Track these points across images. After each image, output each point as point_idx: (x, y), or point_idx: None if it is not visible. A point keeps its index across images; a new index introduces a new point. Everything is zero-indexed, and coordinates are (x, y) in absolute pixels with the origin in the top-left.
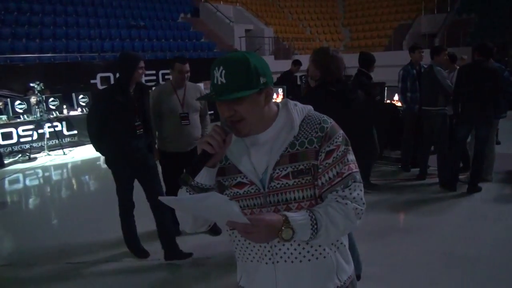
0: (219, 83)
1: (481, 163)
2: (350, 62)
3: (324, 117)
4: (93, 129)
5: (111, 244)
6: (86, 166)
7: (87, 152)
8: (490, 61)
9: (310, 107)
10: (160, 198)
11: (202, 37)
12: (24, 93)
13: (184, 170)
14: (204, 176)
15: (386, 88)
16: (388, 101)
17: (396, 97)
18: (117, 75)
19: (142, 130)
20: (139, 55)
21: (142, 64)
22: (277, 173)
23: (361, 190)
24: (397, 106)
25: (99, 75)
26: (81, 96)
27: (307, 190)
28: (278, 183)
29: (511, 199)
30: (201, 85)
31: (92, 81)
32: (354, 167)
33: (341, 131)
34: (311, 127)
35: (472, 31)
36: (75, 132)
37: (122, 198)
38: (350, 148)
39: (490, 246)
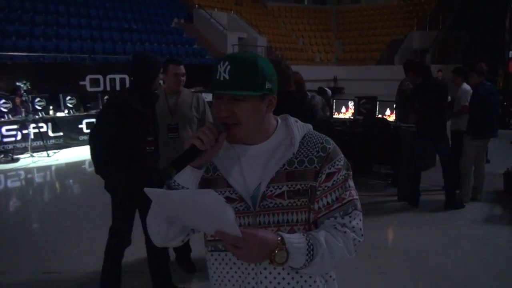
0: (222, 78)
1: (451, 178)
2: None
3: (326, 137)
4: (100, 143)
5: (92, 254)
6: (70, 169)
7: (72, 154)
8: (432, 79)
9: (310, 126)
10: (145, 189)
11: (194, 43)
12: (11, 92)
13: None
14: (188, 177)
15: (378, 102)
16: (380, 116)
17: (387, 111)
18: (131, 78)
19: (153, 147)
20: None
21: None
22: (271, 191)
23: (360, 220)
24: (389, 121)
25: (88, 77)
26: (68, 97)
27: (302, 213)
28: (271, 202)
29: (501, 220)
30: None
31: (81, 83)
32: (355, 194)
33: (342, 155)
34: (312, 145)
35: (463, 48)
36: (61, 134)
37: (118, 231)
38: (351, 173)
39: (478, 267)
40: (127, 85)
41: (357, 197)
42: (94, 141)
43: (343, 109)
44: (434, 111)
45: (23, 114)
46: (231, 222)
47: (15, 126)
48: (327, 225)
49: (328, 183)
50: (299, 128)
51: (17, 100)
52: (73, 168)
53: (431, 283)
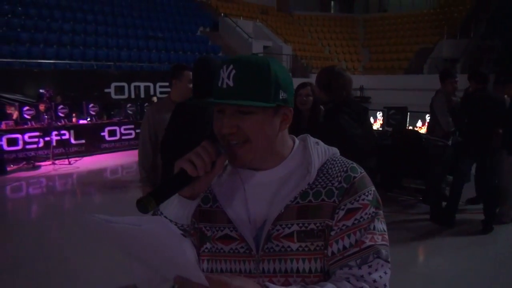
0: (225, 86)
1: (494, 200)
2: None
3: (354, 165)
4: (170, 154)
5: (114, 264)
6: (91, 177)
7: (94, 162)
8: (488, 90)
9: (335, 150)
10: (87, 216)
11: (219, 51)
12: (36, 99)
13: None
14: (176, 209)
15: (408, 113)
16: (410, 127)
17: (419, 123)
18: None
19: None
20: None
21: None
22: (278, 230)
23: (385, 273)
24: (420, 133)
25: (113, 84)
26: (91, 105)
27: (316, 261)
28: (277, 245)
29: None
30: None
31: (106, 90)
32: (380, 239)
33: (373, 188)
34: (333, 174)
35: (495, 57)
36: (83, 141)
37: None
38: (381, 213)
39: None
40: (151, 92)
41: (384, 243)
42: (167, 149)
43: (371, 120)
44: (483, 126)
45: (46, 121)
46: (191, 264)
47: (37, 133)
48: (339, 276)
49: (348, 222)
50: (320, 152)
51: (41, 107)
52: (94, 176)
53: None
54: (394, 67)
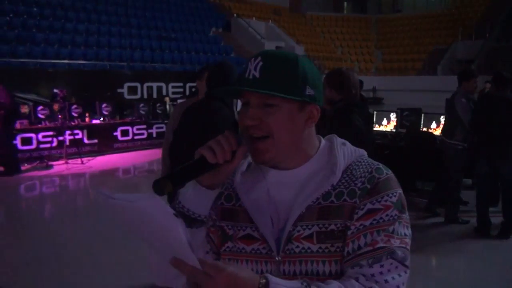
0: (251, 77)
1: None
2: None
3: (380, 166)
4: (176, 154)
5: (126, 263)
6: (104, 176)
7: (106, 162)
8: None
9: (363, 152)
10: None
11: (232, 51)
12: (50, 99)
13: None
14: (196, 198)
15: (423, 115)
16: (425, 129)
17: (433, 124)
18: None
19: None
20: None
21: None
22: (298, 231)
23: (400, 276)
24: (434, 135)
25: (126, 85)
26: (104, 104)
27: (337, 264)
28: (297, 247)
29: None
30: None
31: (119, 90)
32: (399, 242)
33: (400, 190)
34: (357, 175)
35: (511, 59)
36: (96, 141)
37: None
38: (405, 217)
39: None
40: (164, 93)
41: (401, 245)
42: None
43: (385, 121)
44: (502, 128)
45: (60, 121)
46: (183, 244)
47: (51, 133)
48: (348, 275)
49: (366, 222)
50: (347, 153)
51: (55, 106)
52: (107, 175)
53: None
54: (407, 68)
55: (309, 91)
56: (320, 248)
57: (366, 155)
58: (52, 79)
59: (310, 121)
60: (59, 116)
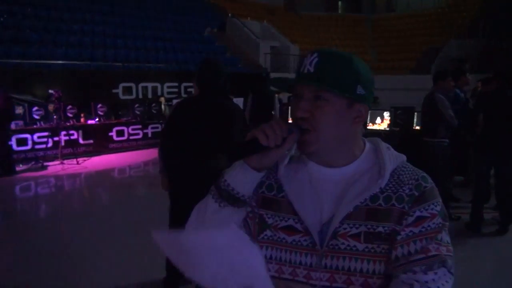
0: (306, 71)
1: (511, 201)
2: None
3: (424, 174)
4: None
5: (121, 265)
6: (99, 177)
7: (102, 162)
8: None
9: (404, 157)
10: (154, 232)
11: (227, 51)
12: (45, 99)
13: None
14: (242, 178)
15: (415, 113)
16: (418, 127)
17: None
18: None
19: None
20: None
21: None
22: (345, 229)
23: (447, 283)
24: None
25: (121, 85)
26: (99, 105)
27: (381, 263)
28: (342, 243)
29: None
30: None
31: (114, 91)
32: (446, 250)
33: (441, 200)
34: (404, 181)
35: (504, 58)
36: (91, 141)
37: None
38: (448, 225)
39: None
40: (159, 93)
41: (449, 254)
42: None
43: (378, 120)
44: (502, 126)
45: (55, 122)
46: (262, 277)
47: (46, 133)
48: (401, 281)
49: (415, 229)
50: (391, 157)
51: (50, 107)
52: (103, 176)
53: None
54: (402, 67)
55: (360, 90)
56: (367, 247)
57: (406, 160)
58: (47, 79)
59: (358, 120)
60: (54, 116)
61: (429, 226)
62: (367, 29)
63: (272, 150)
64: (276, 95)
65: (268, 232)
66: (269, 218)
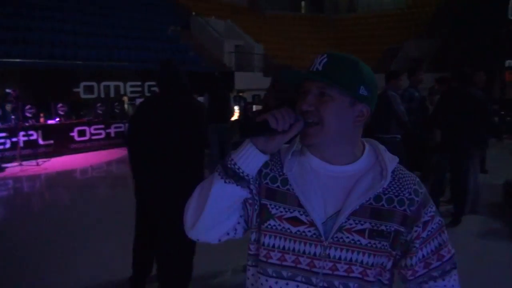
0: (315, 69)
1: (465, 195)
2: None
3: (418, 179)
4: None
5: (84, 267)
6: (60, 178)
7: (63, 163)
8: (471, 88)
9: (397, 159)
10: None
11: (191, 50)
12: (2, 99)
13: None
14: (245, 157)
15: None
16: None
17: None
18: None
19: None
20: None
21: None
22: (350, 224)
23: (456, 275)
24: None
25: (82, 84)
26: (60, 104)
27: (380, 257)
28: (347, 237)
29: (499, 233)
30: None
31: (74, 90)
32: (451, 248)
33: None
34: (403, 184)
35: (459, 58)
36: (52, 142)
37: None
38: (443, 222)
39: (484, 284)
40: (121, 92)
41: (453, 251)
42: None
43: None
44: (463, 122)
45: (13, 122)
46: None
47: (4, 134)
48: None
49: (424, 234)
50: (390, 159)
51: (8, 107)
52: (64, 177)
53: None
54: None
55: (362, 91)
56: (369, 243)
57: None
58: (4, 78)
59: (359, 119)
60: (12, 116)
61: (432, 227)
62: (329, 29)
63: (278, 134)
64: (241, 94)
65: (272, 222)
66: (272, 208)
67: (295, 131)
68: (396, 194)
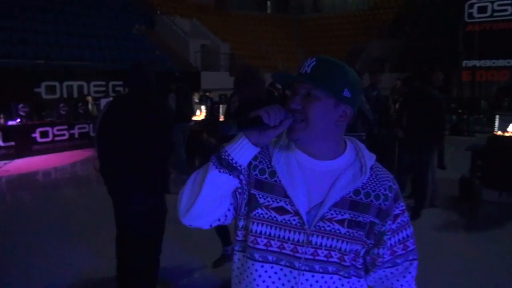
0: (303, 72)
1: (425, 189)
2: None
3: (392, 176)
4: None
5: (45, 269)
6: (22, 181)
7: (25, 165)
8: (430, 88)
9: (374, 156)
10: None
11: (156, 49)
12: None
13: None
14: (238, 149)
15: None
16: None
17: None
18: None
19: None
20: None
21: None
22: (332, 214)
23: (414, 268)
24: None
25: (44, 84)
26: (21, 105)
27: (356, 245)
28: (328, 226)
29: (456, 225)
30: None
31: (36, 90)
32: (414, 242)
33: None
34: (380, 180)
35: (420, 58)
36: (13, 143)
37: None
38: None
39: (442, 274)
40: (85, 92)
41: (416, 245)
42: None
43: None
44: (423, 121)
45: None
46: None
47: None
48: (386, 276)
49: (393, 226)
50: (369, 155)
51: None
52: (26, 179)
53: None
54: None
55: (346, 93)
56: (348, 232)
57: None
58: None
59: (342, 119)
60: None
61: (402, 220)
62: (295, 29)
63: (270, 129)
64: (208, 93)
65: (260, 210)
66: (261, 198)
67: (285, 126)
68: (373, 189)
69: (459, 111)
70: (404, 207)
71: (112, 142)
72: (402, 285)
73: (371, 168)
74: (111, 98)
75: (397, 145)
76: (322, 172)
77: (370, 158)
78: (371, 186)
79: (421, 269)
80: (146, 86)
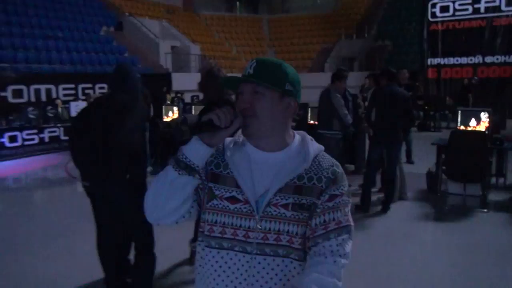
0: (247, 73)
1: (394, 183)
2: None
3: (337, 162)
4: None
5: (16, 275)
6: None
7: None
8: (395, 85)
9: (322, 148)
10: None
11: (125, 51)
12: None
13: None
14: (194, 151)
15: (309, 109)
16: (312, 122)
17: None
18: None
19: None
20: None
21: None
22: (277, 200)
23: (349, 245)
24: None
25: (10, 88)
26: None
27: (302, 227)
28: (274, 211)
29: (424, 216)
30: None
31: (2, 94)
32: (352, 221)
33: (347, 183)
34: (323, 166)
35: (386, 57)
36: None
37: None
38: (351, 202)
39: (411, 262)
40: (54, 95)
41: (351, 223)
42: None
43: None
44: (391, 118)
45: None
46: None
47: None
48: (318, 253)
49: (329, 203)
50: (314, 147)
51: None
52: None
53: (363, 281)
54: (299, 66)
55: (288, 87)
56: (293, 215)
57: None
58: None
59: (289, 111)
60: None
61: (339, 201)
62: (264, 30)
63: (221, 130)
64: (179, 95)
65: (215, 201)
66: (216, 189)
67: (235, 126)
68: (316, 173)
69: (426, 107)
70: (345, 192)
71: (90, 142)
72: (330, 245)
73: (316, 157)
74: (82, 102)
75: (367, 141)
76: (270, 163)
77: (316, 150)
78: (314, 170)
79: (393, 256)
80: (131, 87)
